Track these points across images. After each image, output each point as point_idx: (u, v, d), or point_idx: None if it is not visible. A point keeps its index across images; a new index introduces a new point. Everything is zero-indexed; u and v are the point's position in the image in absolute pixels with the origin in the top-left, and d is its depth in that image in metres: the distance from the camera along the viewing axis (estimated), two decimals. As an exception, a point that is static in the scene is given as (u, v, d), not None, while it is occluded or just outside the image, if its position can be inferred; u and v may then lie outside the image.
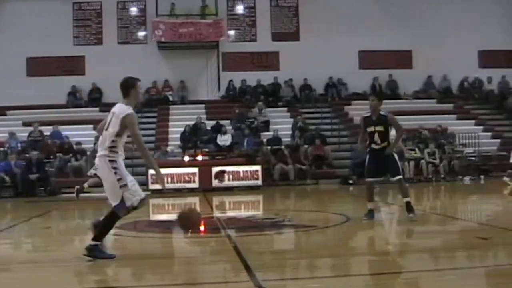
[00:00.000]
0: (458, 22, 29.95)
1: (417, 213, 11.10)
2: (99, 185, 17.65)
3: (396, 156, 11.47)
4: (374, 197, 11.82)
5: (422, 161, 23.71)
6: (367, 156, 11.54)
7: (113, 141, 7.78)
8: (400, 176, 11.24)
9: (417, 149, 24.04)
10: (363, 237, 10.36)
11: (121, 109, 7.89)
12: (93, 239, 7.83)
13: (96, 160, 8.06)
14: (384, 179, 12.95)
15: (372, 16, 30.20)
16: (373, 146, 11.32)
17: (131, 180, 7.87)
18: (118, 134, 7.79)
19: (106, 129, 7.90)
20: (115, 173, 7.75)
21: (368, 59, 30.63)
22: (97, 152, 8.05)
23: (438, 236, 9.90)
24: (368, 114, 11.47)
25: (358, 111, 28.40)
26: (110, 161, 7.76)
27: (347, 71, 30.12)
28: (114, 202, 7.81)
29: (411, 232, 10.70)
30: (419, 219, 11.24)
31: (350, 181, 23.13)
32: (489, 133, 27.68)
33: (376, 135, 11.24)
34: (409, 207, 11.14)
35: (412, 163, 23.48)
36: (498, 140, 27.11)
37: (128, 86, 8.06)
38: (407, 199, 11.18)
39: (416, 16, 30.14)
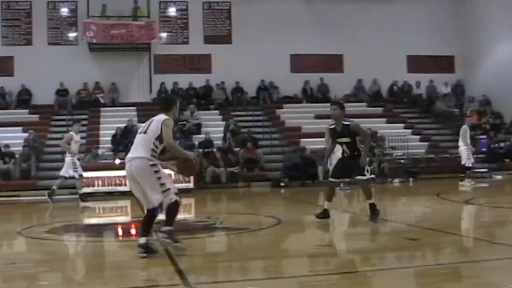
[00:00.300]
0: (387, 27, 30.39)
1: (379, 219, 10.83)
2: (66, 186, 17.56)
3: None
4: (333, 198, 11.73)
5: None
6: (339, 158, 11.43)
7: (154, 144, 8.01)
8: (363, 177, 10.90)
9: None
10: (295, 239, 10.43)
11: (162, 116, 8.26)
12: (166, 224, 8.22)
13: (133, 163, 8.04)
14: (346, 181, 12.82)
15: (304, 21, 30.44)
16: (345, 154, 11.05)
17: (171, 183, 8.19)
18: (158, 138, 8.01)
19: (145, 132, 8.12)
20: (158, 177, 7.93)
21: (299, 62, 30.88)
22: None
23: (369, 238, 10.05)
24: (333, 126, 11.08)
25: (289, 114, 28.83)
26: (151, 165, 7.93)
27: (279, 75, 30.29)
28: (150, 205, 8.03)
29: (343, 233, 10.83)
30: (349, 221, 11.36)
31: (282, 184, 23.23)
32: (418, 136, 28.19)
33: (345, 147, 10.95)
34: (372, 210, 10.85)
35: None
36: (426, 143, 27.69)
37: (171, 103, 8.62)
38: (370, 201, 10.92)
39: (347, 21, 30.48)
